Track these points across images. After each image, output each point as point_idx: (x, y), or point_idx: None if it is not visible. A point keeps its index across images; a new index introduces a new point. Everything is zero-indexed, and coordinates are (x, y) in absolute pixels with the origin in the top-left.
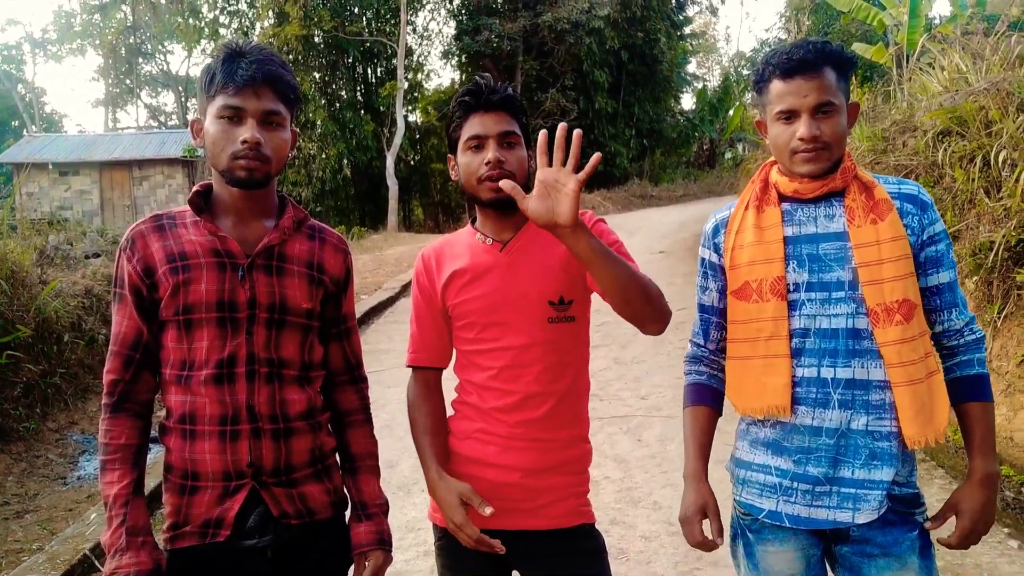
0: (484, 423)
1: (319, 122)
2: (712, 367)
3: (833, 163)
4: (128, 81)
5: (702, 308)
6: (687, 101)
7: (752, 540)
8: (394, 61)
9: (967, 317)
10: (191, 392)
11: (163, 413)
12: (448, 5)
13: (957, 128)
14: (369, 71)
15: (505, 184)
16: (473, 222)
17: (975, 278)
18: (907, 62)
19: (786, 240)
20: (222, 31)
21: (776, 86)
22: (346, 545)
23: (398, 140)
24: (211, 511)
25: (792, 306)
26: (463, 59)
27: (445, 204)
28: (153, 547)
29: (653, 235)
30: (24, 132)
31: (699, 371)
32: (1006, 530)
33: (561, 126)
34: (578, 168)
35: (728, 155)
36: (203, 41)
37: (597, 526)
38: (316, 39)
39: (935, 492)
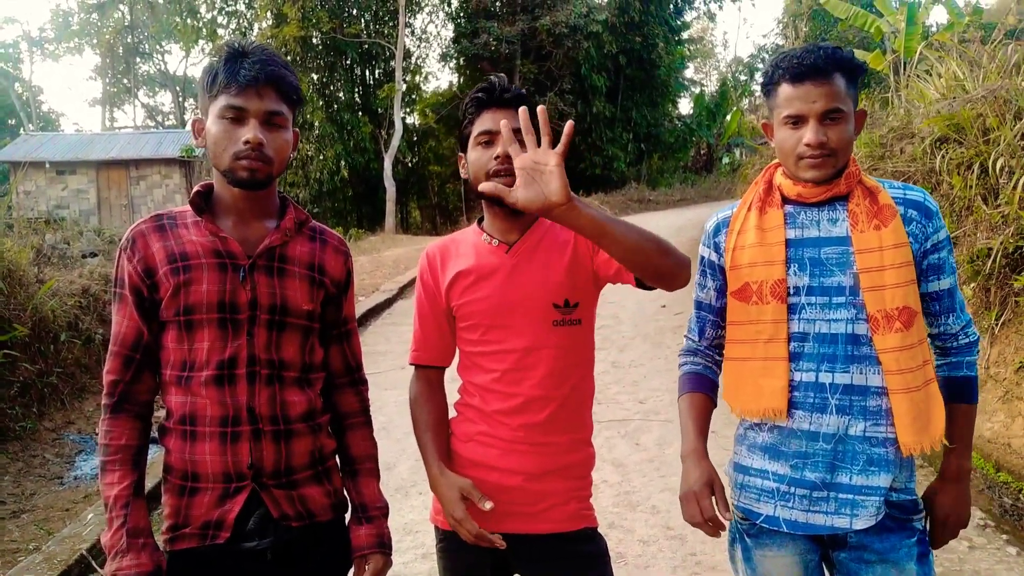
0: (486, 426)
1: (317, 123)
2: (707, 360)
3: (838, 170)
4: (125, 80)
5: (699, 305)
6: (685, 106)
7: (750, 545)
8: (392, 63)
9: (963, 321)
10: (191, 393)
11: (162, 414)
12: (446, 8)
13: (955, 135)
14: (367, 73)
15: (485, 186)
16: (479, 222)
17: (973, 284)
18: (904, 69)
19: (788, 243)
20: (220, 31)
21: (785, 90)
22: (346, 548)
23: (396, 142)
24: (211, 513)
25: (792, 310)
26: (461, 62)
27: (442, 206)
28: (154, 549)
29: None
30: (21, 131)
31: (695, 362)
32: (1004, 536)
33: (522, 109)
34: (554, 143)
35: (725, 160)
36: (201, 41)
37: None
38: (314, 40)
39: None
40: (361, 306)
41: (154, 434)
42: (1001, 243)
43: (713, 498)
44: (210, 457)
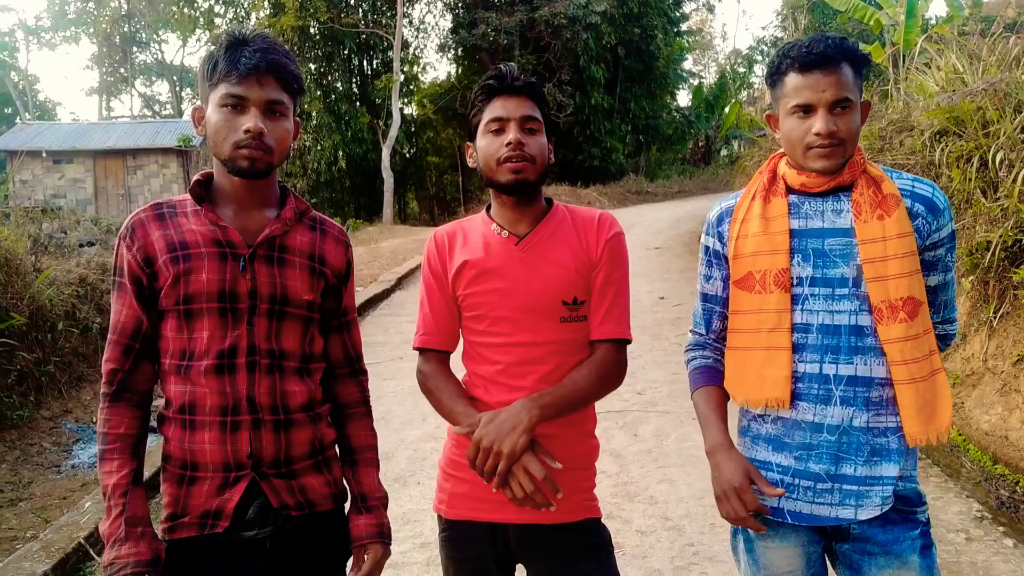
0: None
1: (314, 114)
2: (716, 353)
3: (846, 160)
4: (122, 70)
5: (705, 297)
6: (683, 98)
7: (752, 536)
8: (390, 54)
9: (942, 316)
10: (191, 382)
11: (161, 402)
12: None
13: (954, 128)
14: (365, 63)
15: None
16: (488, 210)
17: (971, 278)
18: (903, 62)
19: (792, 233)
20: (217, 21)
21: (793, 80)
22: (345, 537)
23: (394, 133)
24: (210, 502)
25: (795, 300)
26: (459, 52)
27: (440, 197)
28: (152, 537)
29: (649, 231)
30: (17, 120)
31: (704, 356)
32: (1001, 528)
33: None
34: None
35: (724, 152)
36: (198, 31)
37: None
38: (312, 30)
39: (931, 491)
40: (359, 297)
41: (153, 423)
42: (1000, 236)
43: (753, 488)
44: (209, 446)
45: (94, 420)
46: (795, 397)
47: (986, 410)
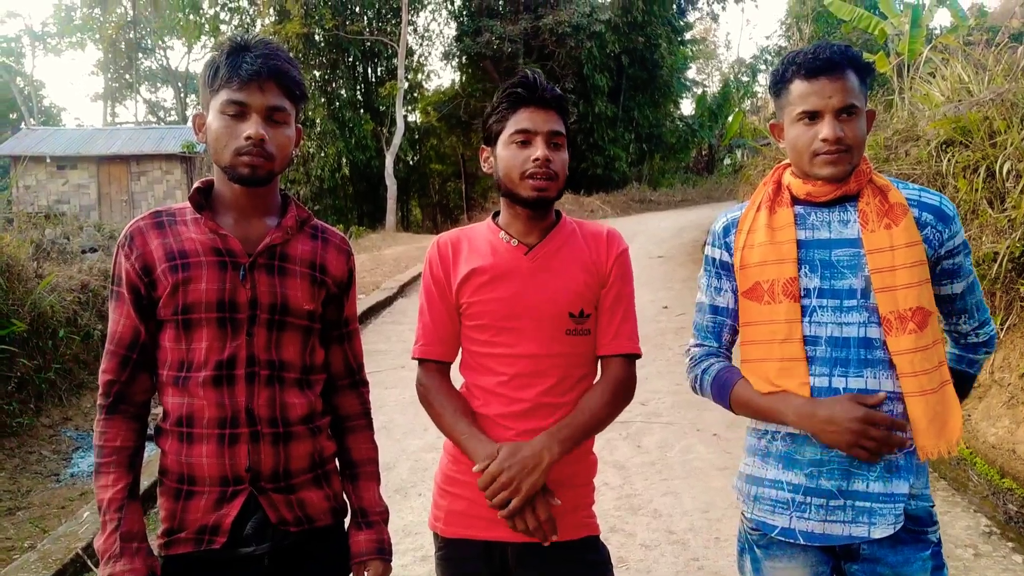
0: (489, 431)
1: (319, 120)
2: (729, 360)
3: (853, 167)
4: (127, 76)
5: (716, 310)
6: (687, 107)
7: (760, 556)
8: (394, 61)
9: (977, 321)
10: (189, 394)
11: (159, 413)
12: (449, 6)
13: (960, 138)
14: (369, 70)
15: None
16: (495, 217)
17: None
18: (908, 72)
19: (798, 244)
20: (223, 27)
21: (799, 86)
22: (345, 553)
23: (397, 140)
24: (207, 517)
25: (803, 312)
26: (463, 60)
27: (444, 205)
28: (148, 553)
29: (652, 240)
30: (22, 125)
31: (719, 360)
32: (1010, 544)
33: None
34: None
35: (727, 161)
36: (203, 37)
37: None
38: (317, 37)
39: (938, 505)
40: (361, 304)
41: (149, 432)
42: (1007, 247)
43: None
44: (207, 460)
45: (94, 428)
46: None
47: (993, 423)
